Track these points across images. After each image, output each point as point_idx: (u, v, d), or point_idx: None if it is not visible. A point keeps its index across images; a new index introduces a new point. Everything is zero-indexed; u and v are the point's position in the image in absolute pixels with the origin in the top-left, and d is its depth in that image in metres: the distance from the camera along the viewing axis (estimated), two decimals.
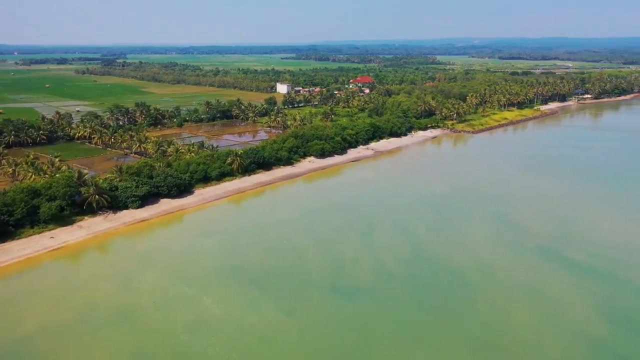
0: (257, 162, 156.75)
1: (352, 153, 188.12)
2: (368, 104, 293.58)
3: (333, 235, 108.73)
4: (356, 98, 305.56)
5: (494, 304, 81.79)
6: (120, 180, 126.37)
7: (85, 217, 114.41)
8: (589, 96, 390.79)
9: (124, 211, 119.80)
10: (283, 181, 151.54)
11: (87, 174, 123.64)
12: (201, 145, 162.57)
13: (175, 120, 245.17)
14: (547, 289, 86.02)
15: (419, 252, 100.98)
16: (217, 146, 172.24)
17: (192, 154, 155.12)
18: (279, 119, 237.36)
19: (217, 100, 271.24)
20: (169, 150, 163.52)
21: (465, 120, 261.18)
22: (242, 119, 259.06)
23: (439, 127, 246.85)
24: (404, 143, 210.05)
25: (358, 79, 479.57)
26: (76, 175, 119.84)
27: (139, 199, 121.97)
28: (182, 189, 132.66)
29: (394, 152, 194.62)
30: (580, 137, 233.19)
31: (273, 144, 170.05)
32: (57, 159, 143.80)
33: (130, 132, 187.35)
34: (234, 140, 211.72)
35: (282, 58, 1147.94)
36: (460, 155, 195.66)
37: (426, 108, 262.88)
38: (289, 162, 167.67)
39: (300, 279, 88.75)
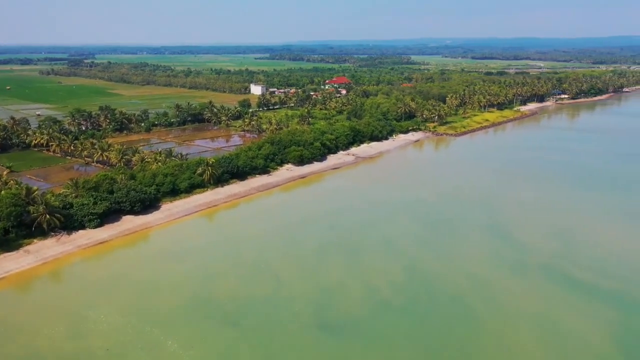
0: (231, 171, 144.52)
1: (333, 159, 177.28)
2: (346, 106, 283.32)
3: (316, 256, 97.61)
4: (333, 100, 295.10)
5: (502, 339, 71.92)
6: (76, 196, 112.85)
7: (35, 240, 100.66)
8: (566, 96, 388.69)
9: (80, 232, 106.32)
10: (259, 192, 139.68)
11: (36, 190, 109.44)
12: (169, 153, 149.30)
13: (142, 124, 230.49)
14: (558, 318, 76.50)
15: (414, 275, 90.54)
16: (187, 155, 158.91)
17: (159, 163, 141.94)
18: (253, 122, 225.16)
19: (188, 103, 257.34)
20: (133, 159, 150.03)
21: (446, 122, 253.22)
22: (215, 122, 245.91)
23: (420, 129, 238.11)
24: (386, 148, 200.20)
25: (334, 79, 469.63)
26: (24, 192, 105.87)
27: (98, 217, 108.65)
28: (147, 204, 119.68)
29: (376, 157, 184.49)
30: (563, 139, 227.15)
31: (248, 151, 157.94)
32: (5, 172, 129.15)
33: (91, 140, 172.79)
34: (205, 146, 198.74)
35: (255, 58, 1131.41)
36: (445, 160, 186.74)
37: (406, 110, 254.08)
38: (265, 170, 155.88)
39: (281, 312, 77.26)
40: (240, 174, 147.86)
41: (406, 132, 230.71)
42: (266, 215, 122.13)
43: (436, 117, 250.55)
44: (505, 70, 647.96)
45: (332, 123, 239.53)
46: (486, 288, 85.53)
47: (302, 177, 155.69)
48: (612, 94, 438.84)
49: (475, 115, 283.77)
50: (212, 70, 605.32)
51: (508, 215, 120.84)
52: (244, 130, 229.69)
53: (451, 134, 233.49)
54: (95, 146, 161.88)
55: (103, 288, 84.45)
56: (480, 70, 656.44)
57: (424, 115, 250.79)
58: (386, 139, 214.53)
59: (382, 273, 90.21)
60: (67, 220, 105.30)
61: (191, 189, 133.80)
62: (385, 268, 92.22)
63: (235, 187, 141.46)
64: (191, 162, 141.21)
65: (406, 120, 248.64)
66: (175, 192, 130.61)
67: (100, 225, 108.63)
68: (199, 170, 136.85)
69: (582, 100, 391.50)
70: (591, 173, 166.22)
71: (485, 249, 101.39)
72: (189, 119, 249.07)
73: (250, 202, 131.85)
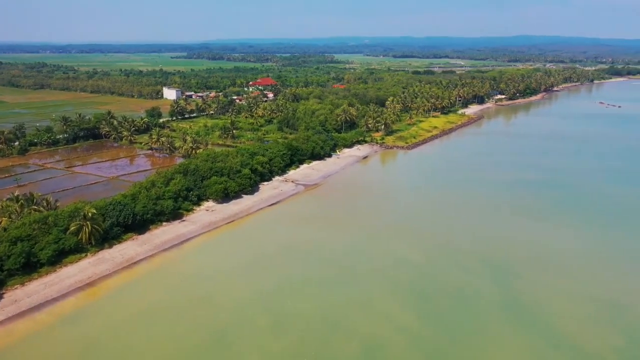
0: (124, 223, 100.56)
1: (267, 190, 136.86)
2: (276, 113, 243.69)
3: None
4: (261, 106, 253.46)
5: None
6: None
7: None
8: (503, 97, 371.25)
9: None
10: (165, 252, 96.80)
11: None
12: (28, 201, 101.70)
13: (16, 144, 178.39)
14: None
15: None
16: (56, 201, 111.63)
17: (11, 217, 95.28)
18: (163, 139, 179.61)
19: (79, 115, 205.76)
20: None
21: (393, 132, 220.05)
22: (115, 138, 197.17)
23: (366, 141, 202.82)
24: (332, 169, 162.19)
25: (259, 80, 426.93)
26: None
27: None
28: None
29: (322, 184, 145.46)
30: (533, 151, 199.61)
31: (150, 187, 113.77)
32: None
33: None
34: (97, 173, 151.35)
35: (172, 57, 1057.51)
36: (407, 186, 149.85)
37: (347, 118, 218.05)
38: (176, 214, 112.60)
39: None
40: (140, 224, 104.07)
41: (351, 145, 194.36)
42: (173, 302, 79.08)
43: (382, 127, 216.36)
44: (431, 69, 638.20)
45: (261, 136, 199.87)
46: None
47: (228, 221, 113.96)
48: (544, 93, 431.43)
49: (420, 121, 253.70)
50: (121, 71, 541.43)
51: (525, 280, 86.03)
52: (151, 149, 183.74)
53: (402, 147, 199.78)
54: None
55: None
56: (406, 69, 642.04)
57: (369, 125, 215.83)
58: (329, 156, 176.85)
59: None
60: None
61: (60, 257, 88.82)
62: None
63: (130, 247, 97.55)
64: (61, 214, 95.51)
65: (347, 130, 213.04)
66: (32, 267, 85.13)
67: None
68: (73, 227, 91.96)
69: (519, 100, 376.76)
70: (597, 201, 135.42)
71: (520, 353, 65.61)
72: (82, 134, 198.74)
73: (150, 274, 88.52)
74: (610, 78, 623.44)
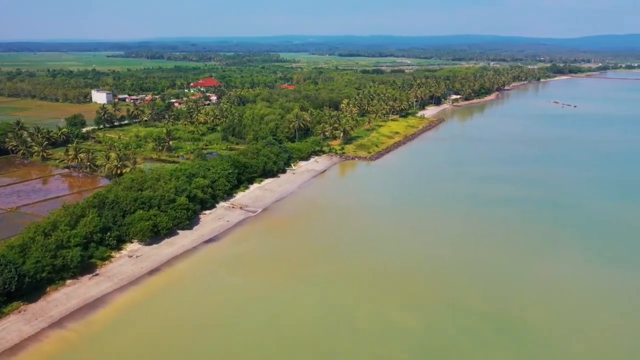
0: (6, 289, 71.85)
1: (209, 221, 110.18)
2: (220, 119, 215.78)
3: None
4: (202, 111, 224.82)
5: None
6: None
7: None
8: (458, 97, 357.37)
9: None
10: (64, 330, 68.99)
11: None
12: None
13: None
14: None
15: None
16: None
17: None
18: (82, 155, 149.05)
19: None
20: None
21: (352, 139, 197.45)
22: (24, 154, 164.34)
23: (323, 152, 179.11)
24: (287, 188, 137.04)
25: (200, 81, 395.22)
26: None
27: None
28: None
29: (277, 209, 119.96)
30: (503, 157, 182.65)
31: (51, 231, 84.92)
32: None
33: None
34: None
35: (108, 56, 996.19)
36: (378, 209, 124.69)
37: (301, 124, 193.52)
38: (87, 265, 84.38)
39: None
40: (31, 288, 75.54)
41: (307, 157, 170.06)
42: None
43: (341, 134, 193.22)
44: (380, 68, 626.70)
45: (203, 148, 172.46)
46: None
47: (153, 271, 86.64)
48: (497, 92, 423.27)
49: (379, 125, 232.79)
50: (49, 71, 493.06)
51: (561, 355, 64.62)
52: (69, 167, 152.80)
53: (364, 157, 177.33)
54: None
55: None
56: (354, 67, 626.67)
57: (325, 132, 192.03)
58: (283, 171, 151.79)
59: None
60: None
61: None
62: None
63: (12, 326, 68.95)
64: None
65: (302, 138, 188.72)
66: None
67: None
68: None
69: (475, 101, 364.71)
70: (604, 225, 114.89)
71: None
72: None
73: None
74: (555, 76, 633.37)
